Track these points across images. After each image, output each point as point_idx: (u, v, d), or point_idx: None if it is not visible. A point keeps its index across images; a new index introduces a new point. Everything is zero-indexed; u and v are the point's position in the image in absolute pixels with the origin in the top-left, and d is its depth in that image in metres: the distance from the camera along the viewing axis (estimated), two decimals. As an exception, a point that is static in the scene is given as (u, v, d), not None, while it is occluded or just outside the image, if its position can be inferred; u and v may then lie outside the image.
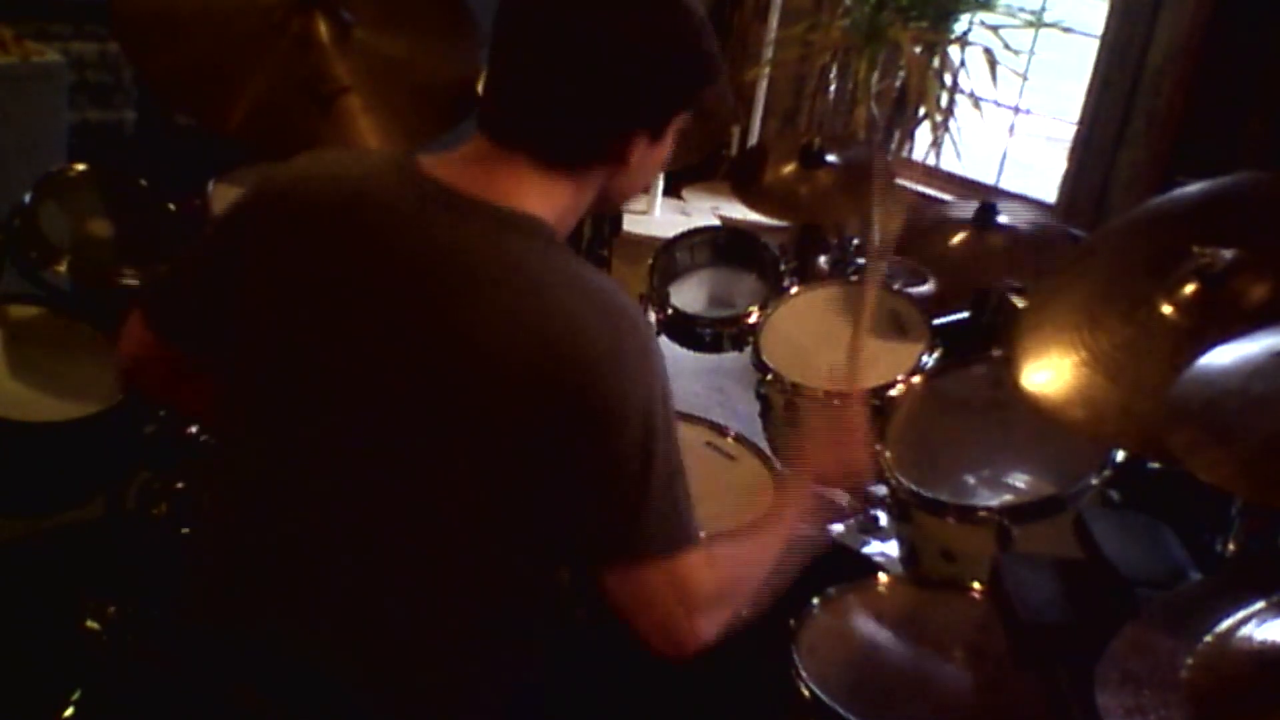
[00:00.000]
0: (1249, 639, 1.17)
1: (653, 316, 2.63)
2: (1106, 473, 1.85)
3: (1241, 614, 1.19)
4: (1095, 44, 3.96)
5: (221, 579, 1.35)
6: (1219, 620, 1.19)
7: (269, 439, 1.33)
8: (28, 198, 2.21)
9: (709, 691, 1.84)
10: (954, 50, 4.20)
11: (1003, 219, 2.45)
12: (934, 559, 1.97)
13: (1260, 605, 1.20)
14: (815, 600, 1.74)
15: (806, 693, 1.58)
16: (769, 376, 2.31)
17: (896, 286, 2.55)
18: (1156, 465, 1.83)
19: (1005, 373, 1.69)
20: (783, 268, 2.65)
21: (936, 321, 2.34)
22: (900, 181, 3.18)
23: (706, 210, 4.54)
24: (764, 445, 2.30)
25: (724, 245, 2.82)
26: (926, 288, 3.24)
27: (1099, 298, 1.63)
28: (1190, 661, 1.14)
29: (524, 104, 1.30)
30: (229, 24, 2.06)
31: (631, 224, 3.64)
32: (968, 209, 2.64)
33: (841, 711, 1.53)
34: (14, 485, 2.05)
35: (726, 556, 1.33)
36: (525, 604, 1.37)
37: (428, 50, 2.20)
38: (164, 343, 1.43)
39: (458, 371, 1.22)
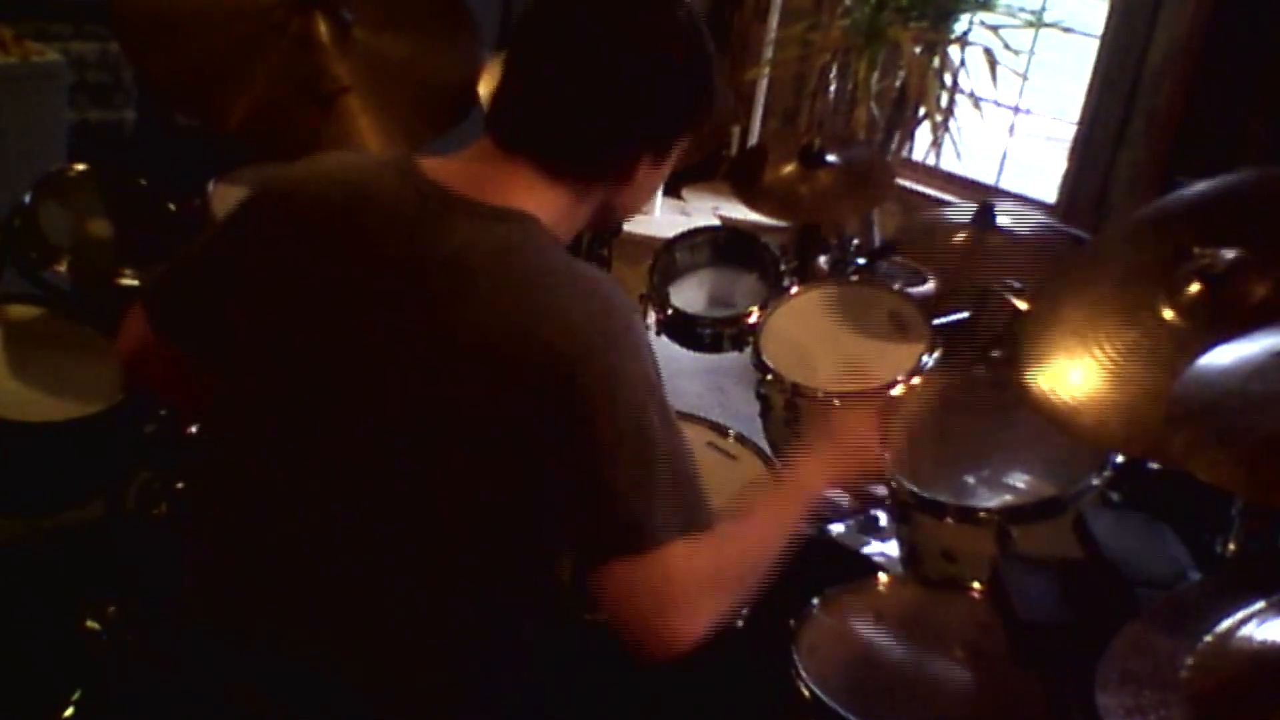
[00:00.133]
0: (1249, 639, 1.17)
1: (653, 316, 2.63)
2: (1107, 473, 1.85)
3: (1241, 614, 1.19)
4: (1095, 44, 3.96)
5: (220, 578, 1.35)
6: (1219, 620, 1.19)
7: (266, 438, 1.33)
8: (28, 198, 2.21)
9: (709, 691, 1.84)
10: (954, 50, 4.20)
11: (1002, 220, 2.45)
12: (934, 559, 1.97)
13: (1260, 605, 1.20)
14: (815, 600, 1.74)
15: (806, 693, 1.58)
16: (769, 376, 2.31)
17: (896, 286, 2.55)
18: (1156, 465, 1.83)
19: (1006, 373, 1.69)
20: (783, 268, 2.65)
21: (936, 321, 2.34)
22: (900, 181, 3.20)
23: (706, 210, 4.54)
24: (764, 445, 2.30)
25: (724, 245, 2.82)
26: (926, 288, 3.24)
27: (1101, 298, 1.63)
28: (1190, 661, 1.14)
29: (536, 111, 1.32)
30: (229, 24, 2.06)
31: (631, 224, 3.63)
32: (968, 209, 2.64)
33: (841, 711, 1.53)
34: (14, 485, 2.06)
35: (720, 549, 1.28)
36: (523, 602, 1.37)
37: (428, 50, 2.20)
38: (164, 341, 1.43)
39: (449, 367, 1.22)
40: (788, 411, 2.28)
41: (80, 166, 2.34)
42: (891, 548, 2.33)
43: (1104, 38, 3.90)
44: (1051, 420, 1.57)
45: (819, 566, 1.48)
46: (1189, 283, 1.53)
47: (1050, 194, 4.15)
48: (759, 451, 2.27)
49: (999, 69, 4.04)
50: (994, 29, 4.12)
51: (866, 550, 2.47)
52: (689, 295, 2.71)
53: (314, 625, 1.29)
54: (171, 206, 2.32)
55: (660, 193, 4.56)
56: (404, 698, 1.30)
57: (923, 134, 4.32)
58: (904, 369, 2.21)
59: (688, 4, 1.36)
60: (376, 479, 1.27)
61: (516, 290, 1.23)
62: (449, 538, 1.27)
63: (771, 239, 2.84)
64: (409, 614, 1.29)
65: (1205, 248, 1.53)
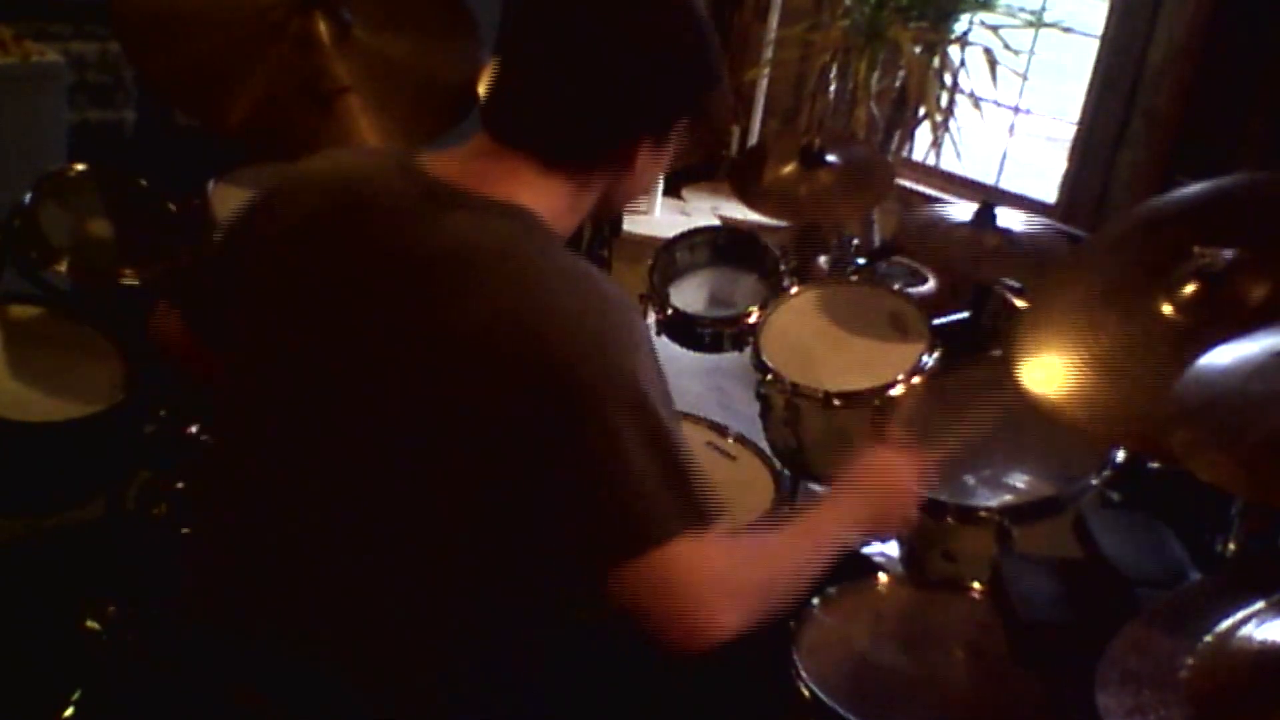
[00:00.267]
0: (1249, 639, 1.17)
1: (653, 316, 2.63)
2: (1106, 473, 1.85)
3: (1241, 614, 1.19)
4: (1095, 44, 3.96)
5: (220, 578, 1.35)
6: (1219, 620, 1.19)
7: (265, 436, 1.33)
8: (28, 198, 2.21)
9: (709, 691, 1.84)
10: (954, 50, 4.20)
11: (1002, 220, 2.45)
12: (934, 559, 1.97)
13: (1260, 605, 1.20)
14: (815, 600, 1.74)
15: (806, 693, 1.58)
16: (769, 376, 2.31)
17: (896, 286, 2.55)
18: (1156, 465, 1.83)
19: (1006, 373, 1.69)
20: (783, 268, 2.65)
21: (936, 321, 2.34)
22: (900, 181, 3.19)
23: (706, 210, 4.54)
24: (764, 445, 2.31)
25: (724, 245, 2.82)
26: (926, 288, 3.24)
27: (1100, 298, 1.63)
28: (1190, 661, 1.14)
29: (530, 104, 1.31)
30: (229, 24, 2.06)
31: (631, 224, 3.64)
32: (968, 209, 2.64)
33: (841, 711, 1.53)
34: (14, 485, 2.06)
35: (725, 547, 1.26)
36: (522, 603, 1.37)
37: (428, 50, 2.20)
38: (199, 337, 1.45)
39: (447, 364, 1.22)
40: (788, 411, 2.28)
41: (80, 166, 2.34)
42: (891, 548, 2.33)
43: (1104, 38, 3.90)
44: (1050, 417, 1.57)
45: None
46: (1188, 282, 1.53)
47: (1050, 194, 4.15)
48: (759, 451, 2.27)
49: (999, 69, 4.05)
50: (994, 29, 4.12)
51: (866, 550, 2.46)
52: (689, 295, 2.71)
53: (314, 625, 1.29)
54: (171, 206, 2.32)
55: (660, 193, 4.56)
56: (403, 698, 1.30)
57: (923, 134, 4.32)
58: (904, 369, 2.21)
59: None
60: (375, 477, 1.26)
61: (515, 286, 1.23)
62: (448, 537, 1.27)
63: (771, 239, 2.84)
64: (408, 614, 1.29)
65: (1205, 247, 1.53)
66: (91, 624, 2.06)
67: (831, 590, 1.77)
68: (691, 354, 2.66)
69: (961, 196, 3.98)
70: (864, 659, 1.68)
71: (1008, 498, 1.95)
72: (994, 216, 2.42)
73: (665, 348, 2.61)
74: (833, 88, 4.37)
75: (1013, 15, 4.16)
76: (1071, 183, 4.00)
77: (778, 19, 4.62)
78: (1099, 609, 1.44)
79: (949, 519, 1.92)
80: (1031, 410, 1.61)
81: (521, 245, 1.26)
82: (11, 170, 2.70)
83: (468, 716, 1.36)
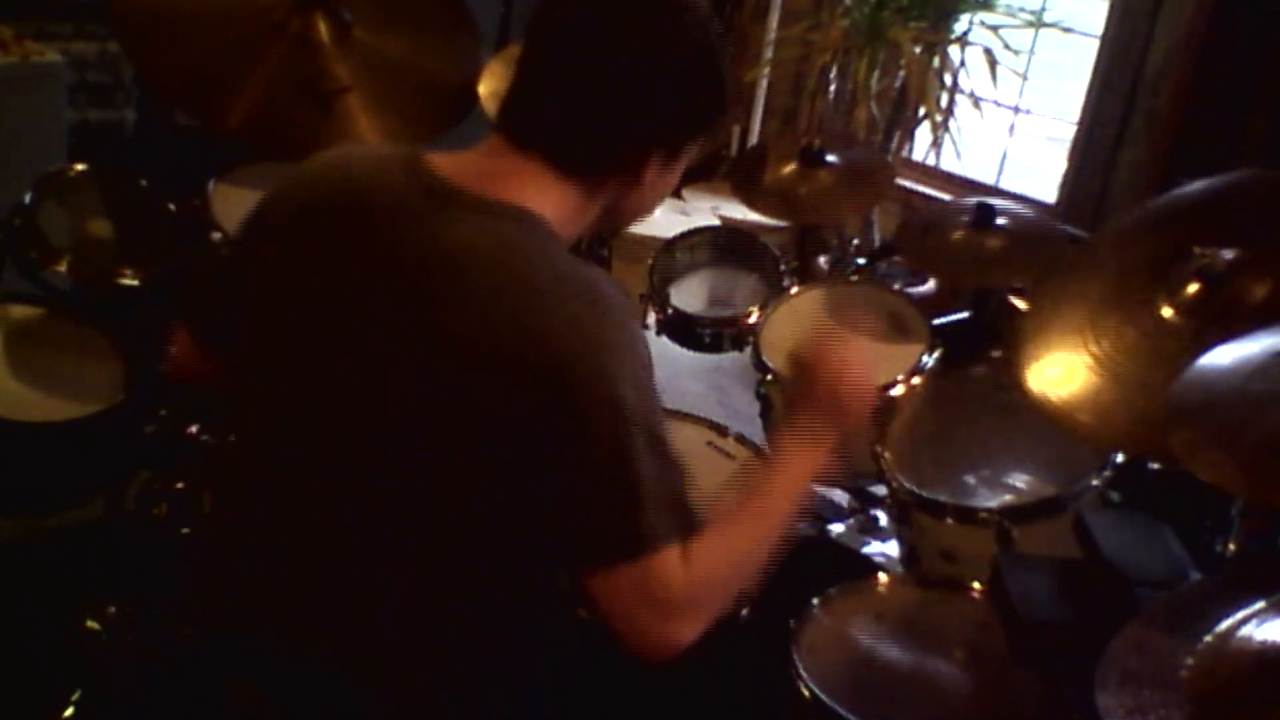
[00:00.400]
0: (1249, 639, 1.17)
1: (653, 316, 2.63)
2: (1107, 473, 1.85)
3: (1241, 614, 1.19)
4: (1095, 44, 3.96)
5: (221, 578, 1.35)
6: (1219, 620, 1.19)
7: (268, 437, 1.34)
8: (28, 198, 2.21)
9: (709, 691, 1.84)
10: (954, 50, 4.20)
11: (1002, 220, 2.45)
12: (934, 559, 1.97)
13: (1260, 605, 1.20)
14: (815, 600, 1.74)
15: (806, 693, 1.57)
16: (769, 376, 2.31)
17: (896, 286, 2.55)
18: (1156, 465, 1.83)
19: (1006, 373, 1.69)
20: (783, 268, 2.65)
21: (936, 321, 2.34)
22: (900, 181, 3.19)
23: (706, 210, 4.54)
24: (764, 445, 2.30)
25: (724, 245, 2.82)
26: (926, 288, 3.24)
27: (1100, 298, 1.63)
28: (1190, 661, 1.14)
29: (545, 107, 1.32)
30: (229, 24, 2.06)
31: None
32: (967, 209, 2.64)
33: (841, 711, 1.53)
34: (14, 485, 2.05)
35: (706, 552, 1.26)
36: (522, 603, 1.37)
37: (428, 50, 2.20)
38: (207, 347, 1.45)
39: (446, 364, 1.23)
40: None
41: (80, 166, 2.33)
42: (891, 548, 2.33)
43: (1104, 38, 3.90)
44: (1051, 419, 1.57)
45: (819, 566, 1.47)
46: (1188, 282, 1.53)
47: (1050, 194, 4.15)
48: (759, 451, 2.26)
49: (999, 69, 4.05)
50: (994, 29, 4.12)
51: (866, 550, 2.47)
52: (689, 295, 2.71)
53: (314, 625, 1.29)
54: (171, 206, 2.32)
55: (660, 193, 4.56)
56: (404, 697, 1.30)
57: (923, 134, 4.32)
58: (904, 369, 2.21)
59: (701, 5, 1.36)
60: (376, 477, 1.26)
61: (515, 288, 1.23)
62: (448, 536, 1.27)
63: (771, 239, 2.84)
64: (409, 613, 1.29)
65: (1205, 247, 1.52)
66: (91, 624, 2.05)
67: (831, 590, 1.77)
68: (691, 354, 2.66)
69: (961, 196, 3.98)
70: (864, 659, 1.68)
71: (1008, 498, 1.95)
72: (994, 216, 2.42)
73: (665, 348, 2.61)
74: (833, 88, 4.37)
75: (1013, 15, 4.16)
76: (1071, 183, 3.99)
77: (778, 19, 4.62)
78: (1099, 609, 1.44)
79: (949, 519, 1.92)
80: (1032, 411, 1.61)
81: (521, 247, 1.26)
82: (11, 170, 2.70)
83: (468, 716, 1.36)
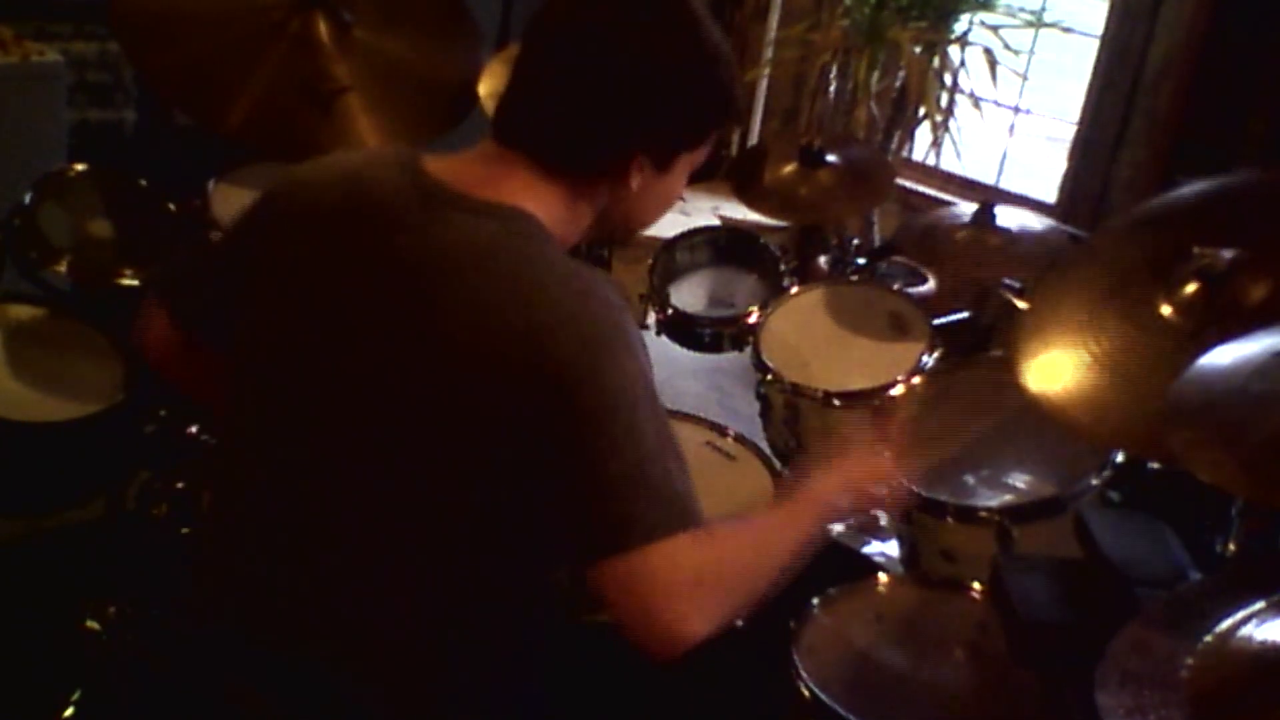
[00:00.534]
0: (1249, 639, 1.17)
1: (653, 316, 2.63)
2: (1106, 473, 1.85)
3: (1241, 614, 1.19)
4: (1095, 44, 3.96)
5: (220, 578, 1.35)
6: (1219, 620, 1.19)
7: (266, 438, 1.34)
8: (28, 198, 2.21)
9: (709, 691, 1.84)
10: (954, 50, 4.20)
11: (1002, 220, 2.45)
12: (934, 559, 1.97)
13: (1260, 605, 1.20)
14: (815, 600, 1.74)
15: (806, 693, 1.57)
16: (769, 376, 2.31)
17: (896, 286, 2.55)
18: (1156, 465, 1.83)
19: (1006, 374, 1.69)
20: (783, 268, 2.65)
21: (936, 321, 2.34)
22: (900, 181, 3.18)
23: (706, 210, 4.54)
24: (764, 445, 2.30)
25: (724, 245, 2.82)
26: (926, 288, 3.24)
27: (1100, 298, 1.63)
28: (1190, 661, 1.14)
29: (532, 107, 1.33)
30: (229, 24, 2.06)
31: (631, 224, 3.62)
32: (968, 209, 2.64)
33: (841, 711, 1.53)
34: (14, 485, 2.05)
35: (718, 545, 1.28)
36: (522, 602, 1.37)
37: (428, 50, 2.20)
38: (188, 335, 1.45)
39: (441, 363, 1.23)
40: (788, 411, 2.27)
41: (80, 166, 2.34)
42: (891, 548, 2.33)
43: (1104, 38, 3.90)
44: (1050, 418, 1.57)
45: (819, 566, 1.47)
46: (1188, 282, 1.53)
47: (1050, 194, 4.15)
48: (759, 451, 2.26)
49: (999, 69, 4.05)
50: (994, 29, 4.12)
51: (866, 550, 2.46)
52: (689, 295, 2.71)
53: (314, 624, 1.29)
54: (171, 206, 2.32)
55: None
56: (404, 697, 1.30)
57: (923, 134, 4.32)
58: (904, 369, 2.21)
59: (700, 13, 1.35)
60: (374, 475, 1.27)
61: (508, 286, 1.23)
62: (448, 535, 1.27)
63: (771, 239, 2.84)
64: (409, 613, 1.29)
65: (1205, 248, 1.52)
66: (91, 624, 2.05)
67: (831, 590, 1.77)
68: (691, 354, 2.66)
69: (961, 196, 3.99)
70: (864, 659, 1.67)
71: (1008, 498, 1.95)
72: (994, 216, 2.42)
73: (665, 348, 2.61)
74: (833, 88, 4.37)
75: (1013, 15, 4.16)
76: (1071, 183, 3.99)
77: (778, 19, 4.62)
78: (1099, 609, 1.44)
79: (949, 519, 1.92)
80: (1032, 410, 1.61)
81: (516, 247, 1.26)
82: (11, 170, 2.70)
83: (468, 716, 1.36)
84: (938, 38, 4.13)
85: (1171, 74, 3.61)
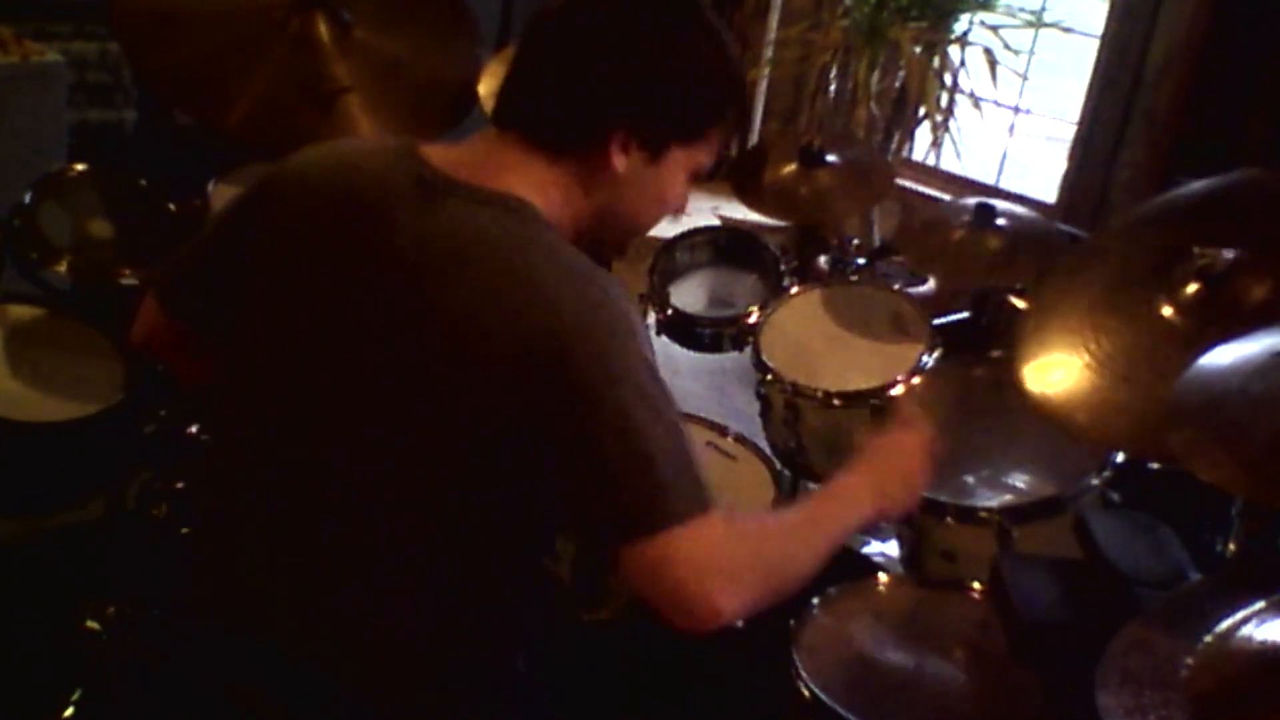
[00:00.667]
0: (1249, 639, 1.17)
1: (653, 316, 2.63)
2: (1107, 473, 1.85)
3: (1241, 614, 1.19)
4: (1095, 44, 3.96)
5: (218, 575, 1.35)
6: (1219, 620, 1.19)
7: (262, 428, 1.34)
8: (28, 198, 2.21)
9: (709, 691, 1.84)
10: (954, 50, 4.20)
11: (1002, 220, 2.45)
12: (934, 559, 1.97)
13: (1260, 605, 1.20)
14: (815, 600, 1.74)
15: (806, 693, 1.57)
16: (769, 376, 2.31)
17: (896, 286, 2.55)
18: (1156, 465, 1.83)
19: (1006, 374, 1.69)
20: (783, 268, 2.65)
21: (936, 321, 2.34)
22: (900, 181, 3.17)
23: (706, 210, 4.54)
24: (764, 445, 2.30)
25: (724, 245, 2.82)
26: (926, 288, 3.23)
27: (1100, 298, 1.63)
28: (1190, 661, 1.14)
29: (524, 85, 1.36)
30: (229, 24, 2.06)
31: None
32: (967, 209, 2.64)
33: (841, 711, 1.53)
34: (14, 485, 2.05)
35: (745, 526, 1.28)
36: (520, 597, 1.37)
37: (428, 50, 2.20)
38: (177, 325, 1.45)
39: (442, 351, 1.23)
40: (788, 411, 2.27)
41: (80, 166, 2.34)
42: (891, 548, 2.33)
43: (1104, 38, 3.90)
44: (1050, 419, 1.57)
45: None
46: (1188, 282, 1.53)
47: (1050, 194, 4.15)
48: (759, 451, 2.27)
49: (999, 69, 4.05)
50: (994, 29, 4.12)
51: (866, 550, 2.47)
52: (689, 295, 2.71)
53: (313, 621, 1.29)
54: (171, 206, 2.32)
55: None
56: (404, 697, 1.30)
57: (923, 134, 4.33)
58: (904, 369, 2.21)
59: (704, 13, 1.36)
60: (372, 470, 1.26)
61: (509, 273, 1.23)
62: (447, 529, 1.27)
63: (771, 239, 2.84)
64: (408, 609, 1.29)
65: (1205, 248, 1.52)
66: (91, 624, 2.05)
67: (831, 590, 1.77)
68: (691, 354, 2.66)
69: (961, 196, 3.98)
70: (864, 659, 1.67)
71: (1008, 498, 1.95)
72: (994, 216, 2.42)
73: (665, 348, 2.61)
74: (833, 88, 4.37)
75: (1013, 15, 4.17)
76: (1071, 183, 3.99)
77: (778, 19, 4.62)
78: (1099, 609, 1.44)
79: (949, 519, 1.92)
80: (1032, 410, 1.61)
81: (513, 233, 1.26)
82: (11, 170, 2.70)
83: (467, 715, 1.36)
84: (938, 38, 4.13)
85: (1171, 74, 3.60)
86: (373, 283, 1.27)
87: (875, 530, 2.54)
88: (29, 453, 2.02)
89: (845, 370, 2.27)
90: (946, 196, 4.07)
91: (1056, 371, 1.59)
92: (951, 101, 4.17)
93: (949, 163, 4.36)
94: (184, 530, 2.15)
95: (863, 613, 1.76)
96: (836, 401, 2.20)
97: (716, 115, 1.39)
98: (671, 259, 2.76)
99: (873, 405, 2.17)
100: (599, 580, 1.89)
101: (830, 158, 2.73)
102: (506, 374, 1.20)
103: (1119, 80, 3.75)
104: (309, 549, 1.29)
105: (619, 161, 1.33)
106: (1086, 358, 1.56)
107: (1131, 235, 1.78)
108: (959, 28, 4.22)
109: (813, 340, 2.39)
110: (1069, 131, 4.11)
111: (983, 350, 2.25)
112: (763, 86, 4.69)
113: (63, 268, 2.19)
